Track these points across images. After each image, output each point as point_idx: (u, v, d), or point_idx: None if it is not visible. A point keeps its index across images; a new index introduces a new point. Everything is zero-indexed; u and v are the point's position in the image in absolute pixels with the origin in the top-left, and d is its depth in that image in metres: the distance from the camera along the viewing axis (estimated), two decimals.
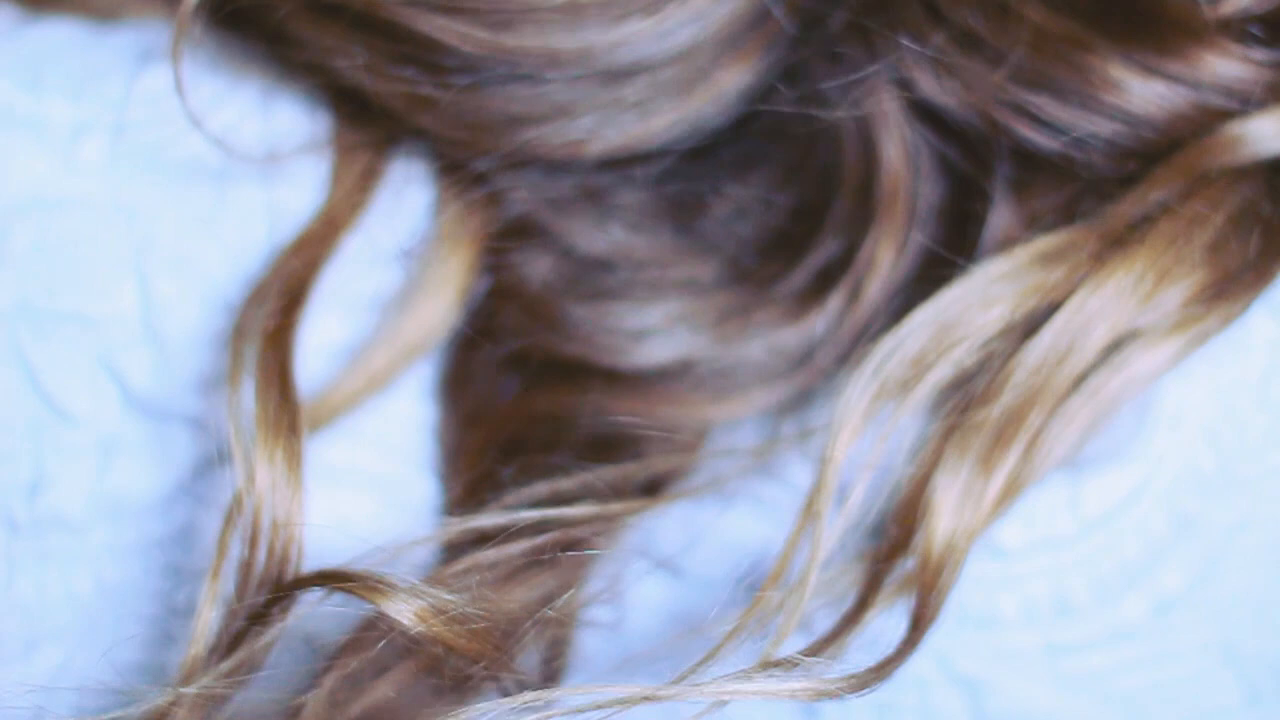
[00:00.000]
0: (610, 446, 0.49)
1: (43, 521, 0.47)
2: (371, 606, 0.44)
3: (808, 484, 0.47)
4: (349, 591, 0.44)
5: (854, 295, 0.48)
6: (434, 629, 0.43)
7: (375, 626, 0.45)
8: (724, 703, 0.43)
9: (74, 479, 0.47)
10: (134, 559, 0.48)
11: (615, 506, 0.47)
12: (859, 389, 0.45)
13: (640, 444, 0.49)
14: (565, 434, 0.49)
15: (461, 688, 0.47)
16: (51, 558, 0.48)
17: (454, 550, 0.47)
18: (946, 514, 0.45)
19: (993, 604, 0.48)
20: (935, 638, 0.46)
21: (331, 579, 0.44)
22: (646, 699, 0.42)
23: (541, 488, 0.48)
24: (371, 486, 0.49)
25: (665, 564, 0.49)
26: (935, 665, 0.48)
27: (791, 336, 0.49)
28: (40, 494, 0.47)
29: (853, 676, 0.43)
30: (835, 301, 0.48)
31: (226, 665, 0.45)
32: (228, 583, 0.46)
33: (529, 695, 0.43)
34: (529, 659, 0.47)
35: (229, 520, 0.46)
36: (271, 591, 0.45)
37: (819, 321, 0.48)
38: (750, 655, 0.45)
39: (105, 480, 0.47)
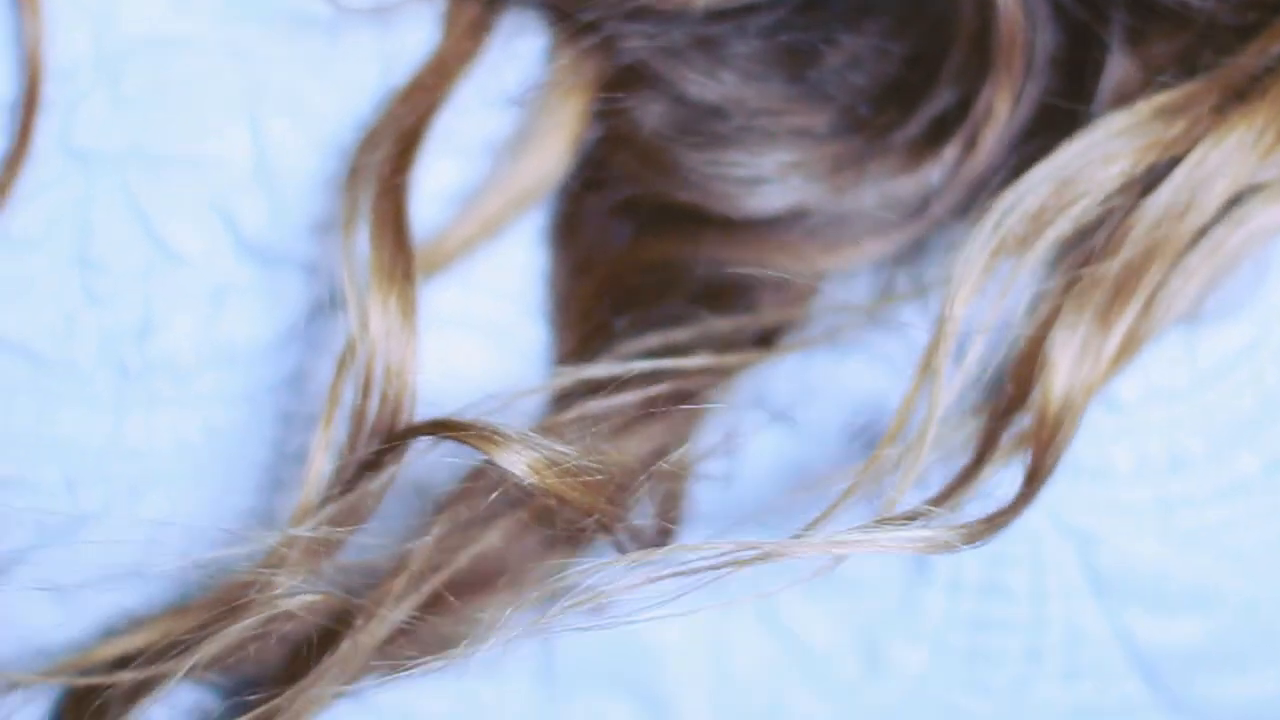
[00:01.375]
0: (722, 296, 0.49)
1: (152, 366, 0.48)
2: (484, 456, 0.44)
3: (923, 337, 0.47)
4: (461, 441, 0.44)
5: (970, 145, 0.49)
6: (547, 481, 0.43)
7: (486, 476, 0.45)
8: (841, 558, 0.44)
9: (184, 323, 0.48)
10: (244, 405, 0.48)
11: (730, 358, 0.48)
12: (978, 246, 0.45)
13: (753, 294, 0.49)
14: (677, 282, 0.49)
15: (573, 539, 0.48)
16: (161, 403, 0.48)
17: (566, 400, 0.47)
18: (1064, 370, 0.45)
19: (1106, 457, 0.49)
20: (1049, 491, 0.46)
21: (445, 428, 0.45)
22: (764, 556, 0.43)
23: (655, 338, 0.48)
24: (483, 333, 0.49)
25: (779, 416, 0.49)
26: (1047, 518, 0.49)
27: (906, 186, 0.49)
28: (150, 338, 0.48)
29: (966, 528, 0.44)
30: (951, 151, 0.49)
31: (337, 512, 0.46)
32: (340, 430, 0.47)
33: (642, 553, 0.43)
34: (642, 513, 0.47)
35: (342, 367, 0.47)
36: (384, 439, 0.45)
37: (934, 171, 0.49)
38: (864, 511, 0.45)
39: (216, 325, 0.48)
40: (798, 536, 0.44)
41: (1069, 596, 0.49)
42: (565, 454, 0.44)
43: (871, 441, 0.48)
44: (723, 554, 0.43)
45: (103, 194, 0.47)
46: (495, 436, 0.44)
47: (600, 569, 0.45)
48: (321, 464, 0.47)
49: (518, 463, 0.44)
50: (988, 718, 0.50)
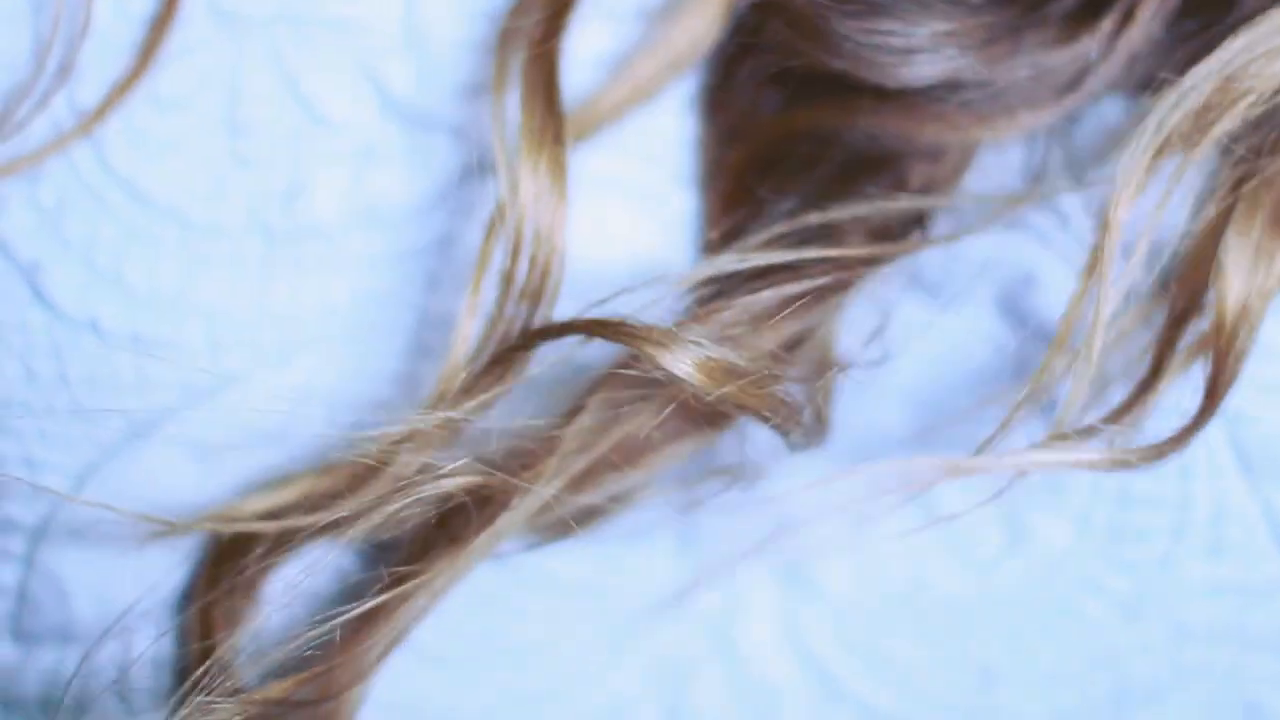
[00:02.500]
0: (873, 167, 0.49)
1: (299, 229, 0.48)
2: (632, 349, 0.44)
3: (1080, 218, 0.47)
4: (624, 343, 0.45)
5: (1126, 18, 0.48)
6: (712, 383, 0.44)
7: (635, 362, 0.46)
8: (1024, 474, 0.44)
9: (332, 186, 0.48)
10: (391, 268, 0.49)
11: (889, 246, 0.48)
12: (1141, 145, 0.45)
13: (904, 165, 0.49)
14: (828, 152, 0.49)
15: (718, 424, 0.48)
16: (308, 266, 0.49)
17: (718, 284, 0.48)
18: (1239, 276, 0.45)
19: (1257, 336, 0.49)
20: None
21: (606, 329, 0.45)
22: (951, 472, 0.43)
23: (805, 211, 0.48)
24: (632, 199, 0.50)
25: (934, 300, 0.49)
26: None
27: (1061, 59, 0.49)
28: (297, 201, 0.48)
29: (1151, 447, 0.44)
30: (1108, 24, 0.48)
31: (484, 382, 0.46)
32: (488, 294, 0.47)
33: (829, 476, 0.43)
34: (795, 405, 0.48)
35: (491, 231, 0.47)
36: (541, 335, 0.46)
37: (1090, 44, 0.48)
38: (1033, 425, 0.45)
39: (363, 188, 0.48)
40: (978, 453, 0.45)
41: (1216, 475, 0.50)
42: (730, 356, 0.44)
43: (1024, 320, 0.48)
44: (906, 474, 0.43)
45: (251, 57, 0.48)
46: (659, 339, 0.44)
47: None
48: (469, 328, 0.47)
49: (684, 367, 0.44)
50: (1129, 594, 0.50)
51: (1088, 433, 0.44)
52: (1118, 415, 0.45)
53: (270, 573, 0.48)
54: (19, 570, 0.49)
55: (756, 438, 0.49)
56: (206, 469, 0.49)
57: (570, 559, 0.50)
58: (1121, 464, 0.44)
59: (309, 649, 0.46)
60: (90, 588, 0.49)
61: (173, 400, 0.49)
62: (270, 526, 0.47)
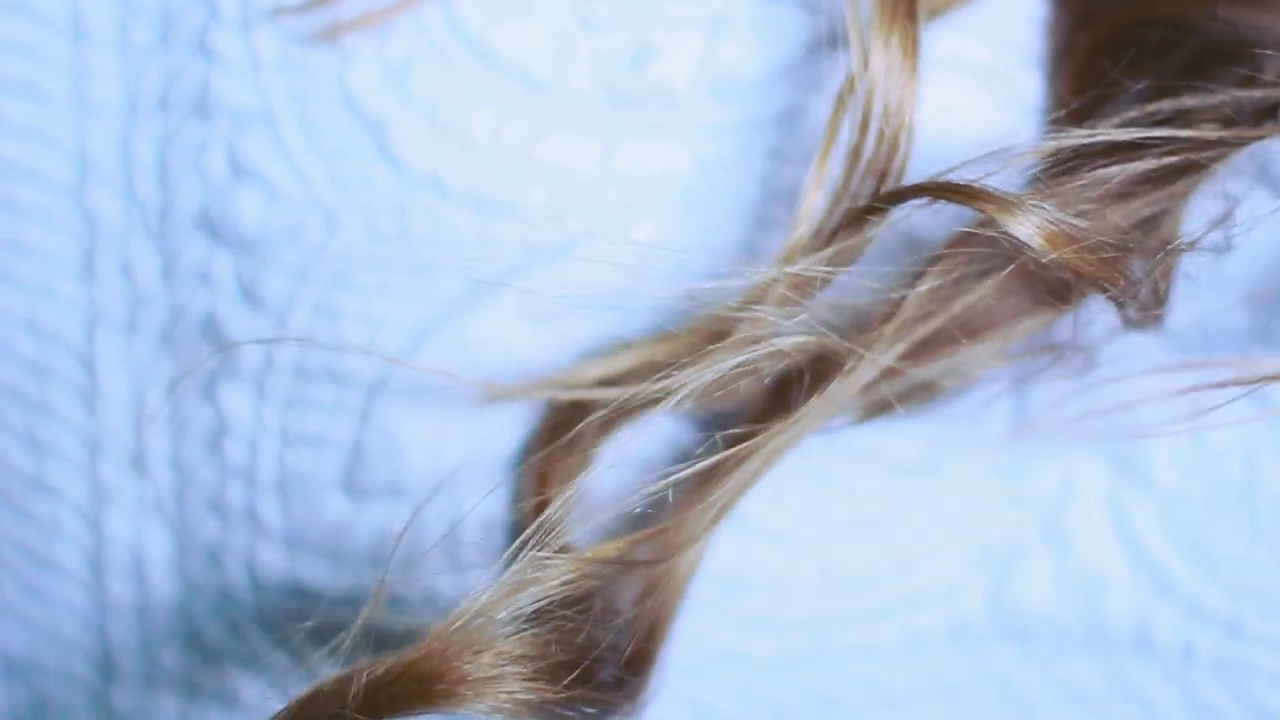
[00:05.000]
0: (1227, 57, 0.49)
1: (646, 93, 0.49)
2: (982, 215, 0.45)
3: None
4: (970, 205, 0.45)
5: None
6: (1059, 250, 0.44)
7: (981, 230, 0.46)
8: None
9: (681, 52, 0.49)
10: (736, 138, 0.50)
11: (1244, 131, 0.47)
12: None
13: (1260, 56, 0.49)
14: (1183, 41, 0.49)
15: (1058, 301, 0.48)
16: (652, 131, 0.50)
17: (1065, 161, 0.48)
18: None
19: None
20: None
21: (953, 191, 0.45)
22: None
23: (1156, 100, 0.48)
24: (980, 80, 0.50)
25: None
26: None
27: None
28: (644, 66, 0.49)
29: None
30: None
31: (829, 251, 0.47)
32: (833, 169, 0.48)
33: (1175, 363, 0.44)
34: (1134, 279, 0.48)
35: (840, 104, 0.48)
36: (889, 198, 0.46)
37: None
38: None
39: (713, 55, 0.49)
40: None
41: None
42: (1075, 223, 0.44)
43: None
44: (1247, 370, 0.43)
45: None
46: (1006, 202, 0.44)
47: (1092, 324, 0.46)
48: (815, 200, 0.48)
49: (1029, 231, 0.44)
50: None
51: None
52: None
53: (605, 437, 0.49)
54: (354, 425, 0.51)
55: (1093, 320, 0.49)
56: (545, 331, 0.50)
57: (902, 439, 0.50)
58: None
59: (642, 509, 0.46)
60: (423, 444, 0.51)
61: (513, 261, 0.50)
62: (608, 394, 0.48)
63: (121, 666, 0.54)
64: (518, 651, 0.45)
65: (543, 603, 0.45)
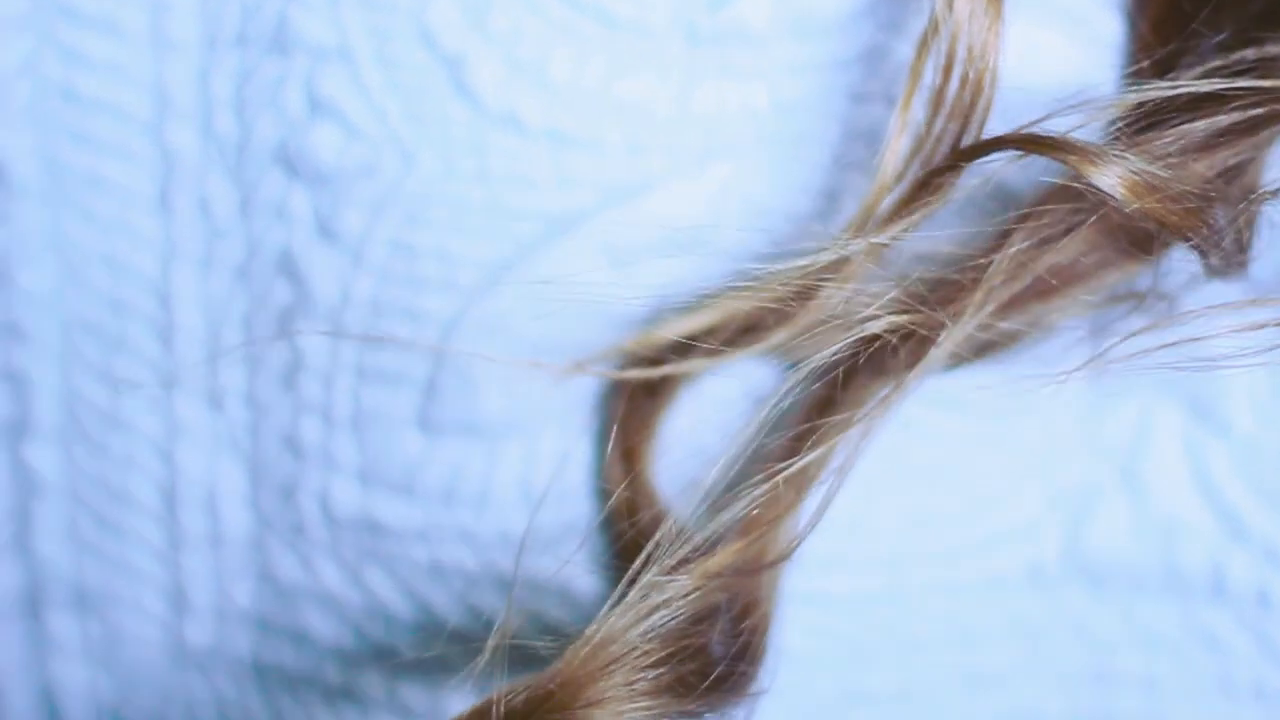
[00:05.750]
0: None
1: (725, 32, 0.49)
2: (1069, 170, 0.45)
3: None
4: (1053, 157, 0.46)
5: None
6: (1144, 202, 0.44)
7: (1069, 187, 0.46)
8: None
9: None
10: (816, 78, 0.50)
11: None
12: None
13: None
14: None
15: (1143, 252, 0.48)
16: (731, 70, 0.50)
17: (1146, 113, 0.48)
18: None
19: None
20: None
21: (1036, 143, 0.46)
22: None
23: (1250, 52, 0.48)
24: (1061, 23, 0.50)
25: None
26: None
27: None
28: (723, 4, 0.49)
29: None
30: None
31: (910, 204, 0.47)
32: (915, 112, 0.48)
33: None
34: (1217, 228, 0.48)
35: (923, 45, 0.48)
36: (970, 152, 0.46)
37: None
38: None
39: None
40: None
41: None
42: (1158, 174, 0.44)
43: None
44: None
45: None
46: (1089, 153, 0.44)
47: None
48: (898, 145, 0.48)
49: (1112, 182, 0.44)
50: None
51: None
52: None
53: (687, 385, 0.49)
54: (429, 362, 0.51)
55: (1174, 269, 0.50)
56: (621, 271, 0.50)
57: (982, 383, 0.51)
58: None
59: (737, 467, 0.47)
60: (499, 383, 0.51)
61: (590, 201, 0.50)
62: (689, 367, 0.48)
63: (194, 601, 0.55)
64: (646, 665, 0.46)
65: (674, 622, 0.46)
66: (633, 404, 0.50)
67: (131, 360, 0.54)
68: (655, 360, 0.49)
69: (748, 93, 0.50)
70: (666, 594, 0.46)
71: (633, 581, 0.46)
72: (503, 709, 0.45)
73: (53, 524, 0.55)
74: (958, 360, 0.50)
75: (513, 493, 0.52)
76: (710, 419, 0.51)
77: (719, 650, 0.48)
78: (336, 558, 0.53)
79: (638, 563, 0.46)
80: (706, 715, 0.48)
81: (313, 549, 0.54)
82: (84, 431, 0.54)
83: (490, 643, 0.46)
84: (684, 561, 0.47)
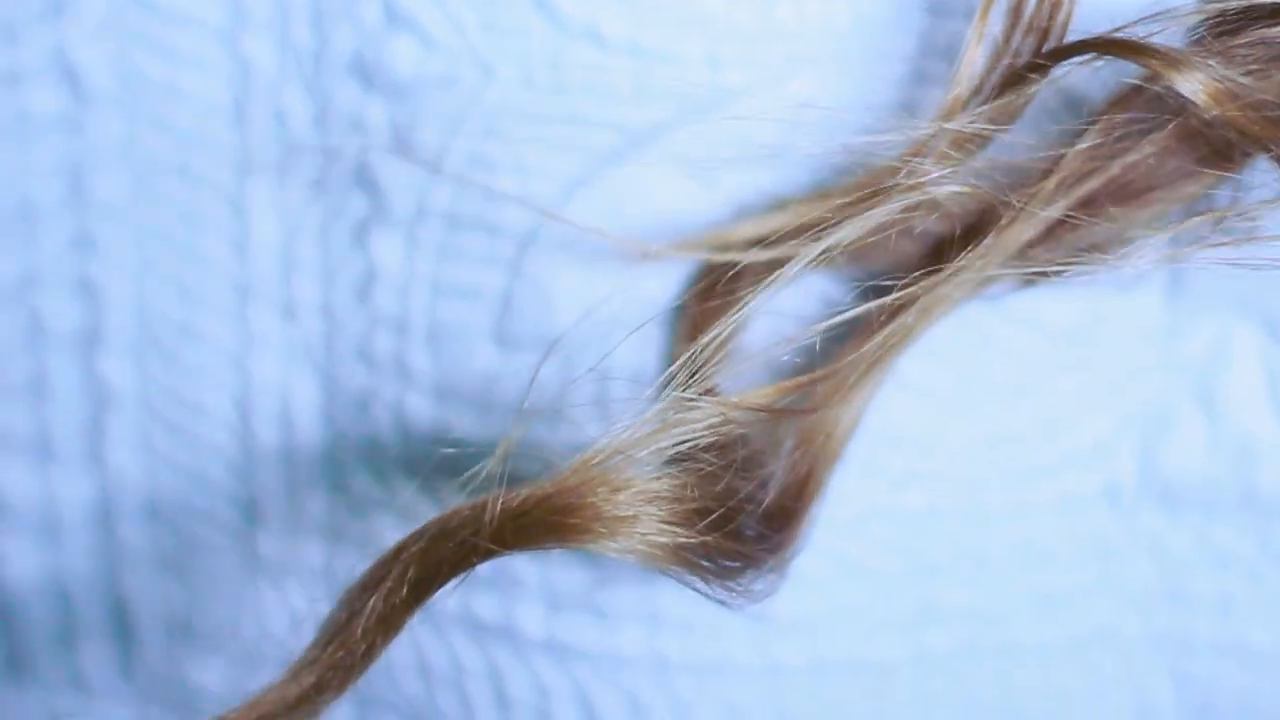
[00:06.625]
0: None
1: None
2: (1146, 71, 0.45)
3: None
4: (1136, 61, 0.46)
5: None
6: (1225, 110, 0.44)
7: (1145, 90, 0.46)
8: None
9: None
10: None
11: None
12: None
13: None
14: None
15: (1222, 164, 0.48)
16: None
17: (1230, 21, 0.48)
18: None
19: None
20: None
21: (1118, 47, 0.46)
22: None
23: None
24: None
25: None
26: None
27: None
28: None
29: None
30: None
31: (989, 109, 0.47)
32: (994, 25, 0.48)
33: None
34: None
35: None
36: (1050, 55, 0.46)
37: None
38: None
39: None
40: None
41: None
42: (1240, 81, 0.44)
43: None
44: None
45: None
46: (1172, 58, 0.44)
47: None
48: (975, 56, 0.48)
49: (1193, 87, 0.44)
50: None
51: None
52: None
53: (759, 292, 0.49)
54: (505, 275, 0.52)
55: (1256, 185, 0.50)
56: (699, 185, 0.50)
57: (1059, 302, 0.51)
58: None
59: (793, 360, 0.47)
60: (575, 297, 0.51)
61: (669, 113, 0.50)
62: (762, 257, 0.48)
63: (267, 512, 0.55)
64: (656, 492, 0.46)
65: (686, 445, 0.46)
66: (704, 313, 0.50)
67: (205, 271, 0.54)
68: (729, 263, 0.49)
69: (827, 6, 0.50)
70: (684, 417, 0.45)
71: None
72: (498, 508, 0.45)
73: (126, 435, 0.56)
74: (1035, 279, 0.50)
75: (587, 406, 0.52)
76: (781, 328, 0.51)
77: (748, 505, 0.48)
78: (410, 471, 0.54)
79: (660, 380, 0.46)
80: (714, 572, 0.48)
81: (386, 462, 0.54)
82: (157, 343, 0.55)
83: (497, 453, 0.46)
84: (710, 393, 0.47)
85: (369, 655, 0.45)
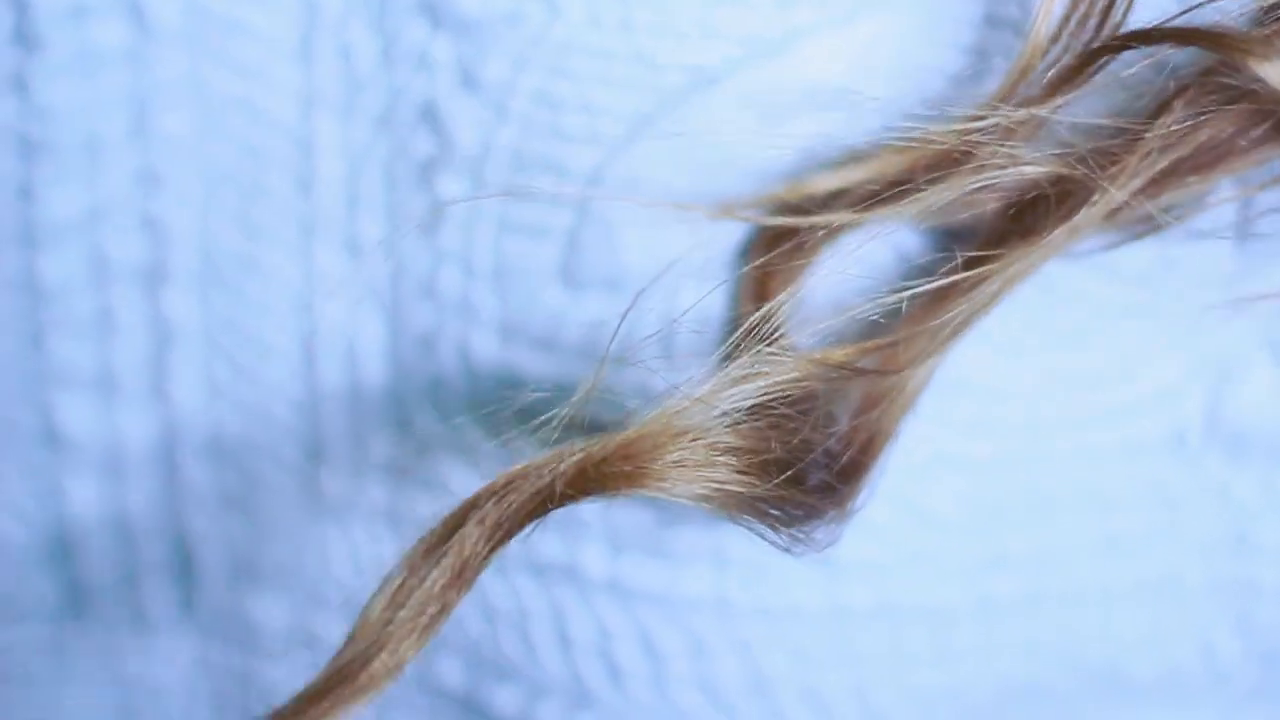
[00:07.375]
0: None
1: None
2: (1229, 59, 0.45)
3: None
4: (1217, 51, 0.46)
5: None
6: None
7: (1227, 67, 0.46)
8: None
9: None
10: None
11: None
12: None
13: None
14: None
15: None
16: None
17: None
18: None
19: None
20: None
21: (1198, 37, 0.46)
22: None
23: None
24: None
25: None
26: None
27: None
28: None
29: None
30: None
31: (1067, 78, 0.47)
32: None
33: None
34: None
35: None
36: (1128, 39, 0.46)
37: None
38: None
39: None
40: None
41: None
42: None
43: None
44: None
45: None
46: (1255, 44, 0.45)
47: None
48: (1052, 4, 0.48)
49: (1277, 74, 0.45)
50: None
51: None
52: None
53: (831, 242, 0.49)
54: (571, 216, 0.52)
55: None
56: (768, 127, 0.50)
57: (1131, 250, 0.51)
58: None
59: (873, 319, 0.47)
60: (641, 238, 0.51)
61: (736, 53, 0.50)
62: (839, 219, 0.48)
63: (331, 451, 0.56)
64: (732, 443, 0.46)
65: (765, 399, 0.46)
66: (774, 259, 0.50)
67: (270, 208, 0.54)
68: (801, 212, 0.49)
69: None
70: (765, 370, 0.46)
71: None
72: (575, 456, 0.45)
73: (190, 372, 0.56)
74: (1117, 239, 0.50)
75: (652, 348, 0.52)
76: (853, 278, 0.51)
77: (821, 458, 0.48)
78: (475, 410, 0.54)
79: (739, 334, 0.46)
80: (782, 520, 0.48)
81: (451, 402, 0.54)
82: (222, 279, 0.55)
83: (571, 402, 0.46)
84: (787, 349, 0.47)
85: (444, 611, 0.46)
